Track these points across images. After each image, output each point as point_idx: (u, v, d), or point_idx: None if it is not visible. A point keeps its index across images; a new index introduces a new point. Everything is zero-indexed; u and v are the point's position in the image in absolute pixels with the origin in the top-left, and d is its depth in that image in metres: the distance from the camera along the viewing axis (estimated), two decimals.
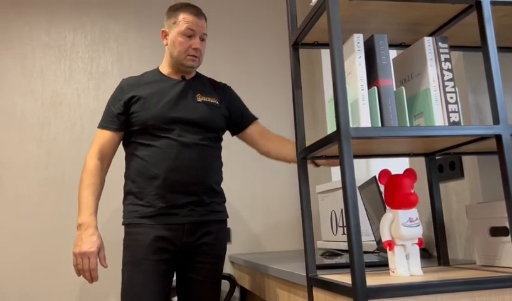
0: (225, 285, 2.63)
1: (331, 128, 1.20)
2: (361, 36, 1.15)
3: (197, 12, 1.80)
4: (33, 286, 2.55)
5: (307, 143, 1.25)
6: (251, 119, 1.99)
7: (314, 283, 1.18)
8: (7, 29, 2.77)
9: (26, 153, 2.67)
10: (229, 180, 2.87)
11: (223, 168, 1.91)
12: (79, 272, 1.64)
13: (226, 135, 1.98)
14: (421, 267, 1.23)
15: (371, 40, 1.16)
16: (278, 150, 1.94)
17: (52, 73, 2.79)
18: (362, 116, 1.09)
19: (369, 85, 1.15)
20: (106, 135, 1.80)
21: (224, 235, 1.87)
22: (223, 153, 1.92)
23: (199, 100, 1.84)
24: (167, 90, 1.81)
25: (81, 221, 1.67)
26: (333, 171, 2.74)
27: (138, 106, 1.77)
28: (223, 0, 3.06)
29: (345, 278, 1.11)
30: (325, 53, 2.89)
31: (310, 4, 1.32)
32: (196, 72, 1.94)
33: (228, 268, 2.80)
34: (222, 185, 1.90)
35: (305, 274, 1.34)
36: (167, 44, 1.84)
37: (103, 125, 1.82)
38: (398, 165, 2.30)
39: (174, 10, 1.82)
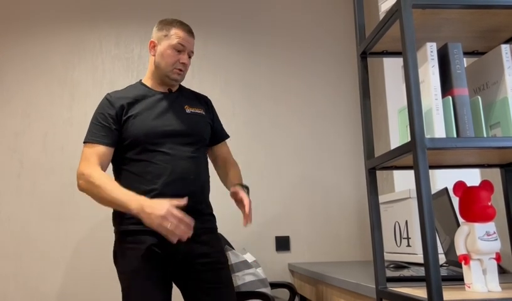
0: (285, 294, 2.63)
1: (403, 138, 1.18)
2: (434, 44, 1.13)
3: (189, 30, 1.82)
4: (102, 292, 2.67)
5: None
6: (224, 137, 2.01)
7: (384, 295, 1.16)
8: (81, 42, 2.93)
9: None
10: (288, 189, 2.88)
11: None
12: (175, 234, 1.52)
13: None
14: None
15: (444, 48, 1.14)
16: (221, 178, 1.99)
17: (120, 83, 2.92)
18: (437, 126, 1.06)
19: (443, 94, 1.13)
20: (100, 150, 1.72)
21: (219, 241, 1.83)
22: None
23: (188, 111, 1.84)
24: (155, 104, 1.79)
25: (136, 204, 1.55)
26: (396, 181, 2.68)
27: (129, 121, 1.74)
28: (283, 14, 3.10)
29: (417, 292, 1.09)
30: (388, 62, 2.84)
31: (380, 13, 1.31)
32: (179, 85, 1.93)
33: (287, 277, 2.80)
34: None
35: (373, 286, 1.32)
36: (154, 55, 1.82)
37: (94, 140, 1.73)
38: (464, 176, 2.21)
39: (167, 23, 1.82)
